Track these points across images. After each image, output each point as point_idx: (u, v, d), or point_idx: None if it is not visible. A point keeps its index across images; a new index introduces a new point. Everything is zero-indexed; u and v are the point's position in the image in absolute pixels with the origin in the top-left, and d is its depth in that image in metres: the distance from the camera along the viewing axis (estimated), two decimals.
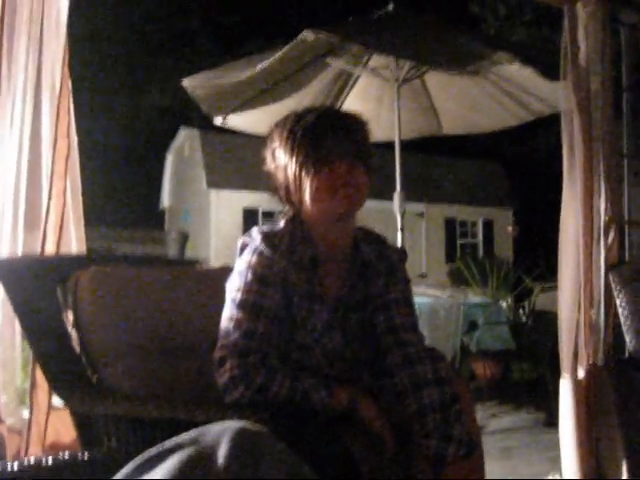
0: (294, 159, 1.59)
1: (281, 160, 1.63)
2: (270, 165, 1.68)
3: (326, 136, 1.58)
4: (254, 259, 1.61)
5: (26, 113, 2.43)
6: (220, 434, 0.85)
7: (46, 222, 2.42)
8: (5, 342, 2.49)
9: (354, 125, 1.65)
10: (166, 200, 17.70)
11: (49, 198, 2.43)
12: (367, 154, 1.64)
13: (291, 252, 1.63)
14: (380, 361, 1.73)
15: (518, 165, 17.50)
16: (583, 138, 2.98)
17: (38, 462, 0.98)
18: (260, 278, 1.58)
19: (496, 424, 4.64)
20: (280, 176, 1.65)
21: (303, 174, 1.58)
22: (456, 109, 5.44)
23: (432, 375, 1.62)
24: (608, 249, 2.99)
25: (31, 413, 2.46)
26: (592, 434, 2.96)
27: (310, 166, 1.57)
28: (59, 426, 2.48)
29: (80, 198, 2.60)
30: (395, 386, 1.65)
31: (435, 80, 5.13)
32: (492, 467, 3.40)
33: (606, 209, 2.99)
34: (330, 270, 1.69)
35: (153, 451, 0.85)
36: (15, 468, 0.97)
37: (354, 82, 5.27)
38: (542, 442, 4.04)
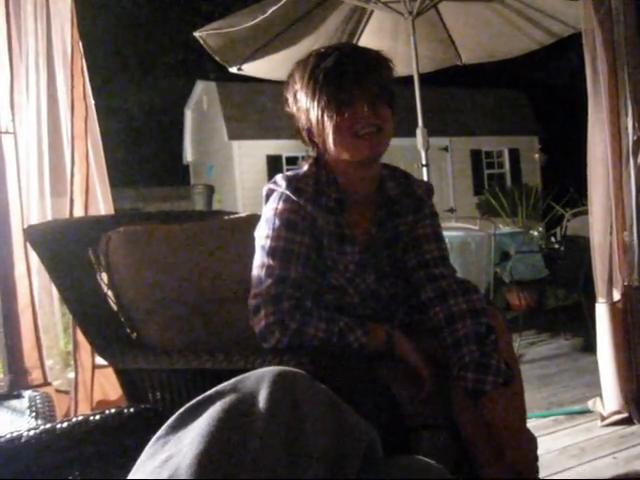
0: (316, 102, 1.56)
1: (303, 103, 1.61)
2: (292, 107, 1.66)
3: (348, 78, 1.54)
4: (280, 205, 1.61)
5: (41, 78, 2.43)
6: (259, 380, 0.86)
7: (72, 186, 2.45)
8: (44, 308, 2.56)
9: (377, 64, 1.60)
10: (189, 155, 17.67)
11: (72, 162, 2.45)
12: (391, 93, 1.61)
13: (317, 195, 1.62)
14: (414, 297, 1.73)
15: (540, 90, 17.11)
16: (606, 57, 2.90)
17: (85, 419, 1.01)
18: (288, 223, 1.58)
19: (534, 352, 4.66)
20: (303, 118, 1.63)
21: (326, 117, 1.56)
22: (473, 37, 5.31)
23: (466, 307, 1.62)
24: (638, 169, 2.93)
25: (76, 374, 2.54)
26: (631, 356, 2.97)
27: (332, 109, 1.55)
28: (105, 384, 2.56)
29: (103, 160, 2.62)
30: (429, 320, 1.66)
31: (450, 9, 5.01)
32: (532, 395, 3.46)
33: (634, 128, 2.92)
34: (357, 210, 1.69)
35: (195, 401, 0.87)
36: (64, 426, 1.00)
37: (368, 18, 5.16)
38: (581, 367, 4.06)
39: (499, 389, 1.52)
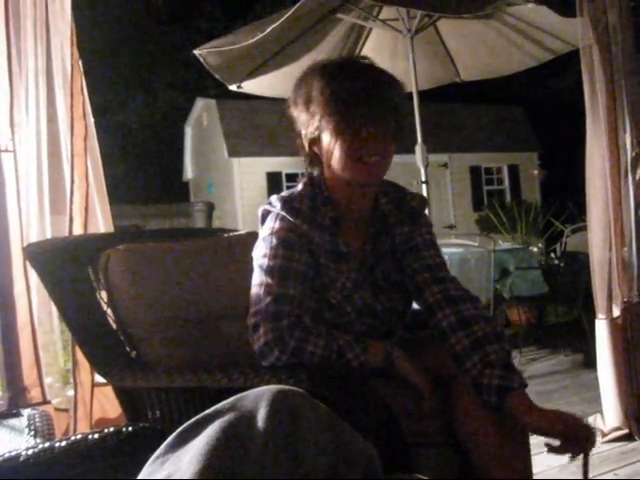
0: (333, 120, 1.55)
1: (318, 114, 1.58)
2: (301, 112, 1.63)
3: (371, 105, 1.53)
4: (277, 224, 1.61)
5: (40, 97, 2.44)
6: (258, 398, 0.86)
7: (71, 204, 2.45)
8: (44, 326, 2.55)
9: (393, 89, 1.59)
10: (189, 172, 17.73)
11: (72, 181, 2.46)
12: (402, 119, 1.61)
13: (312, 214, 1.63)
14: (418, 308, 1.72)
15: (539, 107, 17.19)
16: (604, 74, 2.91)
17: (84, 438, 1.01)
18: (285, 242, 1.59)
19: (534, 369, 4.64)
20: (312, 128, 1.61)
21: (339, 137, 1.55)
22: (472, 55, 5.35)
23: (477, 312, 1.60)
24: (637, 185, 2.94)
25: (76, 392, 2.52)
26: (631, 371, 2.96)
27: (349, 131, 1.54)
28: (104, 402, 2.54)
29: (102, 178, 2.62)
30: (438, 322, 1.61)
31: (448, 27, 5.04)
32: None
33: (632, 144, 2.93)
34: (353, 228, 1.69)
35: (194, 419, 0.87)
36: (63, 444, 0.99)
37: (367, 36, 5.20)
38: (581, 383, 4.05)
39: (523, 390, 1.51)
